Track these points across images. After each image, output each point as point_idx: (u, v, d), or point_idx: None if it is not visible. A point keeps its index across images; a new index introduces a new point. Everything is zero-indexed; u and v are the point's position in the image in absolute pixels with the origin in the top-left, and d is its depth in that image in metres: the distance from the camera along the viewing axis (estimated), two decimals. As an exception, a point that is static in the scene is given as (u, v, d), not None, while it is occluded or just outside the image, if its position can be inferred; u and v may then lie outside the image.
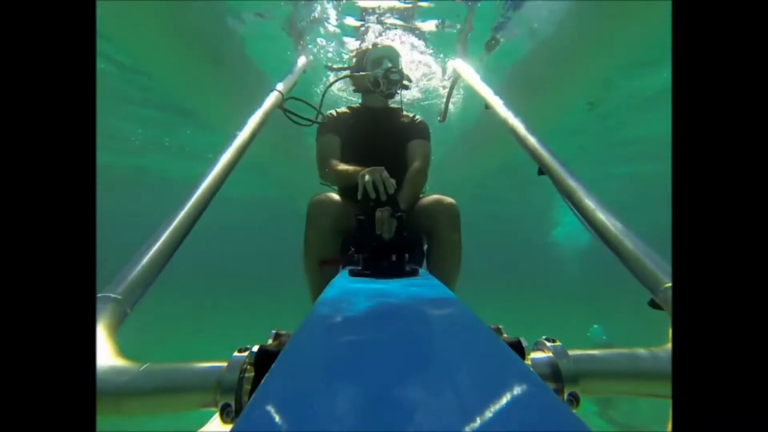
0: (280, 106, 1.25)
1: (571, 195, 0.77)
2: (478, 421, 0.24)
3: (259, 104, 1.14)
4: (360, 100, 1.70)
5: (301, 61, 1.66)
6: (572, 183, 0.78)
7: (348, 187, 1.31)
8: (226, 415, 0.40)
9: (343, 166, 1.35)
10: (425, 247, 1.38)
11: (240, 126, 0.99)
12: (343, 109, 1.64)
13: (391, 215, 1.00)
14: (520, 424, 0.24)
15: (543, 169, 0.88)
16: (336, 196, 1.24)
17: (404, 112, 1.65)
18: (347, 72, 1.64)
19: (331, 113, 1.58)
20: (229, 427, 0.40)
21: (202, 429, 0.62)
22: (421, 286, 0.80)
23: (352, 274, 0.95)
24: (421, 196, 1.42)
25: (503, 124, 1.08)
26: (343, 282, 0.85)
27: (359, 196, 1.11)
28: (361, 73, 1.53)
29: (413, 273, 0.94)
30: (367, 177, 1.11)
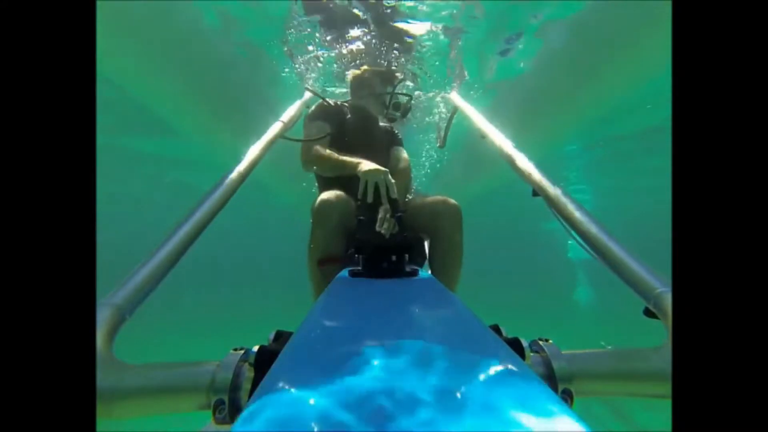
0: (283, 135, 1.34)
1: (563, 212, 0.80)
2: (478, 420, 0.25)
3: (265, 133, 1.23)
4: (351, 99, 1.74)
5: (306, 95, 1.79)
6: (564, 201, 0.82)
7: (341, 177, 1.33)
8: (218, 413, 0.40)
9: (338, 156, 1.36)
10: (426, 247, 1.38)
11: (246, 151, 1.07)
12: (338, 101, 1.66)
13: (392, 215, 1.00)
14: (520, 424, 0.24)
15: (537, 191, 0.93)
16: (343, 195, 1.24)
17: (382, 123, 1.73)
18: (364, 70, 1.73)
19: (325, 101, 1.59)
20: (225, 427, 0.40)
21: (201, 429, 0.62)
22: (421, 286, 0.80)
23: (352, 274, 0.95)
24: (412, 196, 1.48)
25: (498, 151, 1.16)
26: (343, 282, 0.85)
27: (359, 195, 1.11)
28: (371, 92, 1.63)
29: (413, 273, 0.94)
30: (369, 178, 1.11)
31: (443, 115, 3.78)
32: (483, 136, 1.29)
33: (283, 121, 1.37)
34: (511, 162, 1.07)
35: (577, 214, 0.76)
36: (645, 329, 0.56)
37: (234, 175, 0.93)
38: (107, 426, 0.42)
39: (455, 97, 1.78)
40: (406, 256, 0.98)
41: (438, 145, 2.03)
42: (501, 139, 1.18)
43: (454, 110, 1.78)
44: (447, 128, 1.94)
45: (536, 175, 0.94)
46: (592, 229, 0.71)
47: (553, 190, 0.86)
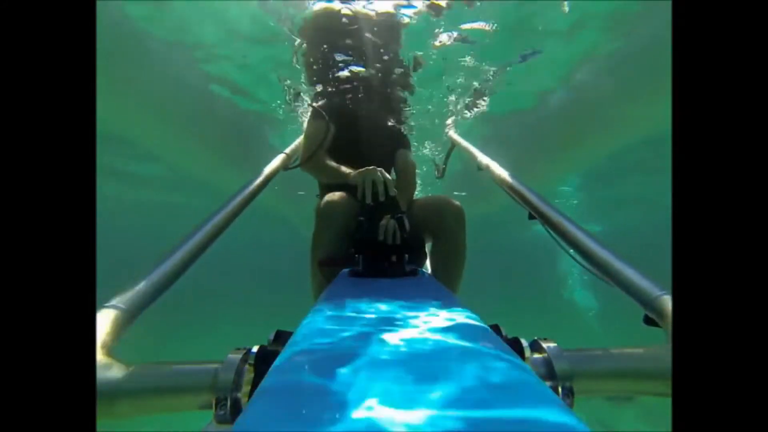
0: (285, 166, 1.42)
1: (558, 230, 0.84)
2: (478, 419, 0.25)
3: (269, 163, 1.34)
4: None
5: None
6: (560, 220, 0.86)
7: (336, 183, 1.34)
8: (219, 413, 0.40)
9: (333, 163, 1.38)
10: (428, 247, 1.39)
11: (254, 176, 1.16)
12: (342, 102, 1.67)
13: (392, 216, 1.01)
14: (519, 423, 0.24)
15: (533, 214, 0.97)
16: (347, 196, 1.23)
17: (392, 122, 1.73)
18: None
19: (331, 100, 1.61)
20: (225, 427, 0.40)
21: (202, 429, 0.62)
22: (421, 286, 0.80)
23: (353, 274, 0.95)
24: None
25: (495, 180, 1.25)
26: (343, 282, 0.85)
27: (359, 197, 1.11)
28: None
29: (413, 273, 0.95)
30: (366, 178, 1.11)
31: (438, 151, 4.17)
32: (480, 168, 1.39)
33: (285, 153, 1.46)
34: (507, 188, 1.15)
35: (570, 230, 0.80)
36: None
37: (243, 195, 1.00)
38: (109, 426, 0.43)
39: (453, 134, 2.02)
40: (406, 256, 0.98)
41: (437, 176, 2.24)
42: (497, 168, 1.28)
43: (452, 145, 1.96)
44: (446, 161, 2.14)
45: (531, 198, 0.99)
46: (588, 244, 0.74)
47: (547, 209, 0.91)
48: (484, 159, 1.40)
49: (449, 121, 3.61)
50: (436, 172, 2.26)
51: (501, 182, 1.20)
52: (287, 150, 1.50)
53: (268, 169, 1.25)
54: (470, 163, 1.55)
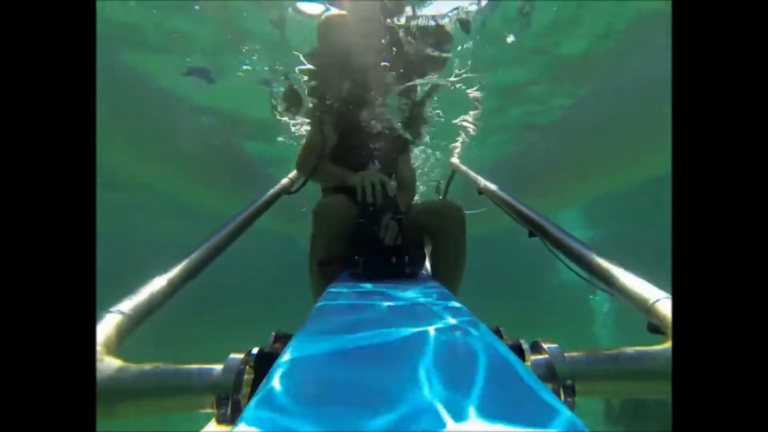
0: (288, 189, 1.49)
1: (559, 245, 0.88)
2: (478, 420, 0.25)
3: (274, 184, 1.43)
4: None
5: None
6: (559, 235, 0.89)
7: (337, 186, 1.36)
8: (221, 416, 0.40)
9: (332, 166, 1.41)
10: (428, 249, 1.39)
11: (257, 198, 1.24)
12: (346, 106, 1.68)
13: (392, 217, 1.01)
14: (519, 425, 0.24)
15: (533, 232, 1.01)
16: (345, 198, 1.24)
17: (393, 128, 1.77)
18: None
19: (333, 104, 1.62)
20: (225, 428, 0.40)
21: (203, 430, 0.62)
22: (421, 287, 0.80)
23: (353, 275, 0.95)
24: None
25: (495, 201, 1.31)
26: (343, 284, 0.85)
27: (359, 197, 1.11)
28: None
29: (413, 275, 0.95)
30: (366, 179, 1.12)
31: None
32: (480, 192, 1.44)
33: (289, 178, 1.54)
34: (508, 208, 1.20)
35: (571, 245, 0.83)
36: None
37: (249, 211, 1.07)
38: (110, 426, 0.43)
39: (454, 161, 2.18)
40: (406, 258, 0.98)
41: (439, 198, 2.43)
42: (497, 190, 1.33)
43: (453, 172, 2.10)
44: (448, 185, 2.30)
45: (531, 215, 1.03)
46: (587, 255, 0.75)
47: (546, 225, 0.94)
48: (483, 182, 1.44)
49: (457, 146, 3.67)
50: (438, 196, 2.44)
51: (501, 203, 1.24)
52: (290, 175, 1.56)
53: (274, 190, 1.33)
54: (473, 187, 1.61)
